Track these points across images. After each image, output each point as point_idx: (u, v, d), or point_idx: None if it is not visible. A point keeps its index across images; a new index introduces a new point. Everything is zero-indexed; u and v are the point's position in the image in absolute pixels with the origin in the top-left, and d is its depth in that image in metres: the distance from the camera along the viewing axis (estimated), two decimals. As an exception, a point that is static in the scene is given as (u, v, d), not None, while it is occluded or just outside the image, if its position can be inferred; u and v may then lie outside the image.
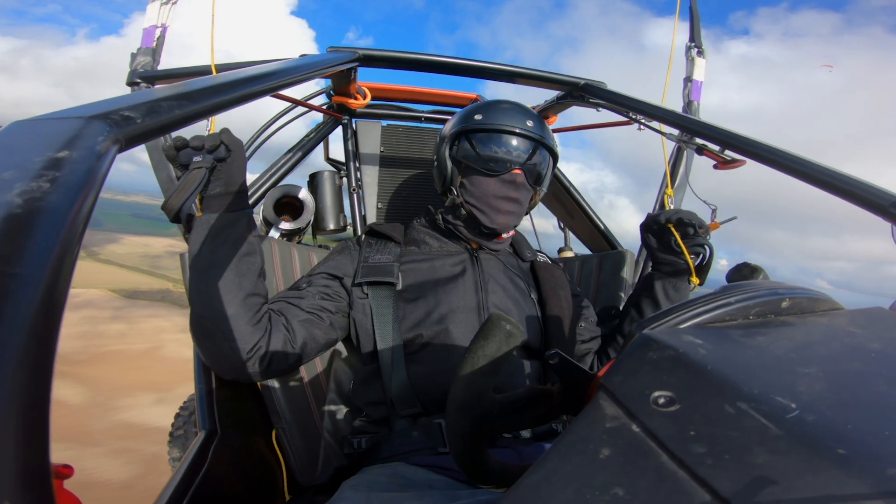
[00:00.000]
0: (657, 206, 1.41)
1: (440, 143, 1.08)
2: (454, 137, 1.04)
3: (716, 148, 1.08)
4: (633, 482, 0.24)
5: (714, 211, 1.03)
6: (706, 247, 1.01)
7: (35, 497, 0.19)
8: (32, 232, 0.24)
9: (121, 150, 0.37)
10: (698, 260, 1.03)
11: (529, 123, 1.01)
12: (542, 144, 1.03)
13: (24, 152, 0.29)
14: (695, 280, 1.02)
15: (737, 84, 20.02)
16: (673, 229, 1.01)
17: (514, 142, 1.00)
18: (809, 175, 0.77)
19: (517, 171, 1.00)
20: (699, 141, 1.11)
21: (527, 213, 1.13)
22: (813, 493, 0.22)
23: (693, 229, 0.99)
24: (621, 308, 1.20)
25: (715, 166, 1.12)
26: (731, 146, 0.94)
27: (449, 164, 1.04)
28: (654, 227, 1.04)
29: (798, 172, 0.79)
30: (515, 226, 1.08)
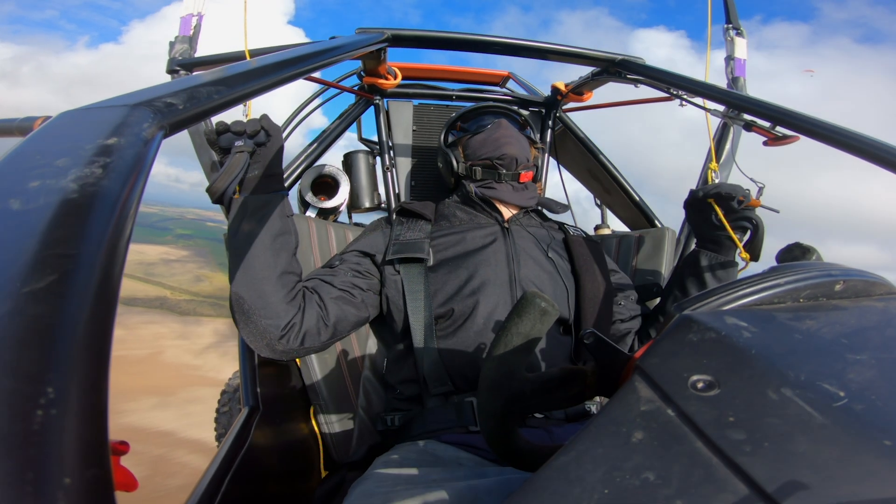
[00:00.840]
0: (700, 183, 1.35)
1: (438, 150, 1.22)
2: (446, 132, 1.21)
3: (766, 124, 1.01)
4: (665, 467, 0.23)
5: (760, 189, 0.97)
6: (752, 220, 0.95)
7: (94, 474, 0.19)
8: (88, 215, 0.25)
9: (165, 136, 0.38)
10: (745, 236, 0.97)
11: (494, 103, 1.23)
12: (511, 112, 1.19)
13: (75, 140, 0.30)
14: (745, 256, 0.97)
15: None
16: (714, 204, 0.97)
17: (490, 112, 1.18)
18: (870, 153, 0.71)
19: (500, 121, 1.13)
20: (747, 117, 1.05)
21: (538, 175, 1.20)
22: (854, 483, 0.21)
23: (737, 203, 0.94)
24: (664, 286, 1.17)
25: (765, 143, 1.06)
26: (784, 122, 0.88)
27: (448, 150, 1.16)
28: (696, 203, 1.00)
29: (857, 150, 0.73)
30: (528, 161, 1.12)
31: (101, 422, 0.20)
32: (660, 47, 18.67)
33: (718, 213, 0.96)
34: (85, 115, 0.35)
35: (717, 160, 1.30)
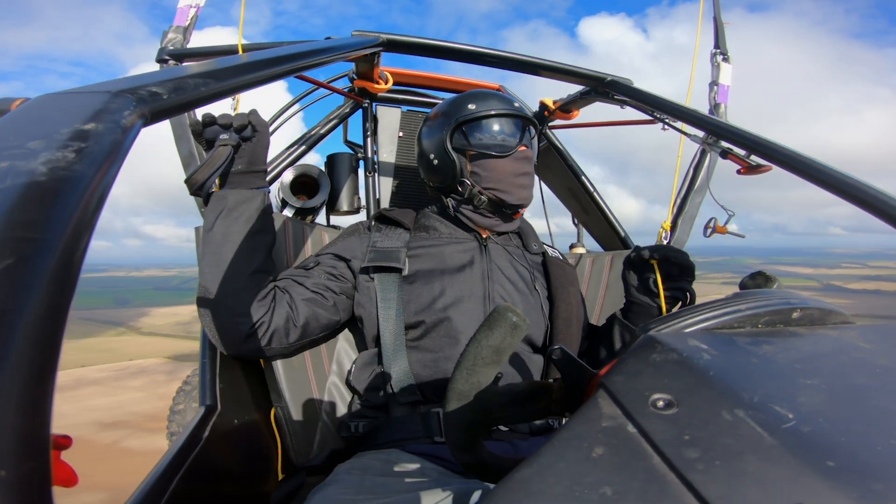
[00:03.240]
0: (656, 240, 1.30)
1: (432, 141, 1.04)
2: (453, 130, 1.01)
3: (741, 152, 1.05)
4: (622, 482, 0.24)
5: (730, 217, 0.99)
6: (688, 293, 0.91)
7: (31, 468, 0.19)
8: (54, 200, 0.24)
9: (146, 125, 0.38)
10: (675, 306, 0.91)
11: (517, 104, 1.04)
12: (530, 122, 1.05)
13: (51, 123, 0.30)
14: None
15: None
16: (656, 267, 0.91)
17: (513, 122, 1.02)
18: (839, 188, 0.75)
19: (524, 148, 1.02)
20: (724, 144, 1.09)
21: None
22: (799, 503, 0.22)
23: (678, 270, 0.90)
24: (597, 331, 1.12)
25: (739, 171, 1.10)
26: (758, 151, 0.91)
27: (454, 155, 1.00)
28: (637, 262, 0.96)
29: (827, 184, 0.76)
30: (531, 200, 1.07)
31: (44, 415, 0.20)
32: (603, 37, 17.75)
33: (657, 278, 0.90)
34: (65, 99, 0.35)
35: (691, 187, 1.35)
